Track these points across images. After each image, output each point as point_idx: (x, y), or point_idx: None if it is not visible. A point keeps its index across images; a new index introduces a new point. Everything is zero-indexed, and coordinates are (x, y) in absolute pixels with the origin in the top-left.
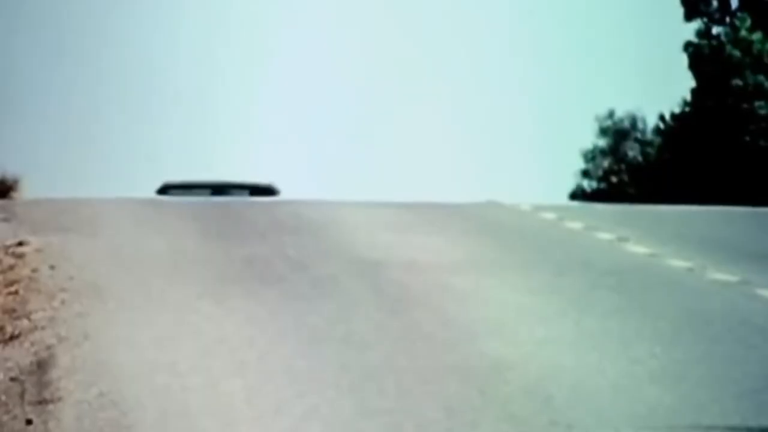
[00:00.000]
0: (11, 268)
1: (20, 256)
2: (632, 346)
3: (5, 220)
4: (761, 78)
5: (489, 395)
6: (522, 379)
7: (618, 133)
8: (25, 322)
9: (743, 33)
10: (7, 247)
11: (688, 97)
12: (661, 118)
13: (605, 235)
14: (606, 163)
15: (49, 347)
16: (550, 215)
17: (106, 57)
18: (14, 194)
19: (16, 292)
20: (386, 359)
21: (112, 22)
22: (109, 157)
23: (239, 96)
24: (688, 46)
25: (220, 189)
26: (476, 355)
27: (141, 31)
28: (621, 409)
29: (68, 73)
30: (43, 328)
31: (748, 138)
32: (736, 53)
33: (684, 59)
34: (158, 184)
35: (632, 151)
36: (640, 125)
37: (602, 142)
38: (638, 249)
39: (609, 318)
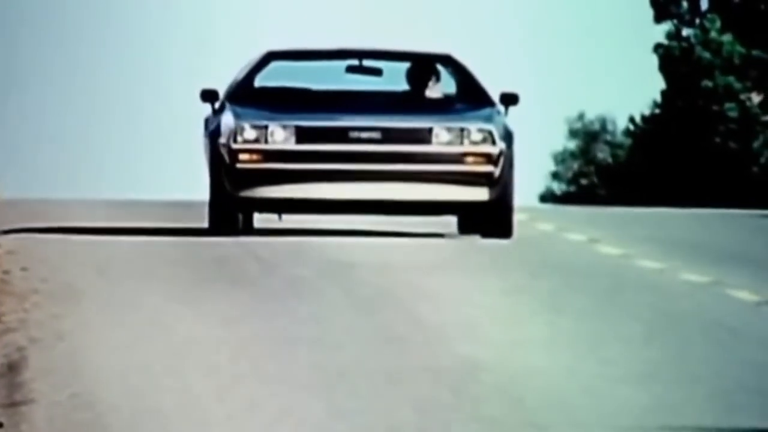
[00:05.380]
0: None
1: None
2: (605, 347)
3: None
4: (731, 80)
5: (461, 396)
6: (494, 380)
7: (588, 135)
8: None
9: (713, 35)
10: None
11: (658, 99)
12: (631, 120)
13: (577, 237)
14: (576, 166)
15: (20, 349)
16: (521, 216)
17: (88, 55)
18: None
19: None
20: (358, 360)
21: (96, 20)
22: (88, 157)
23: None
24: (658, 48)
25: (359, 61)
26: (448, 356)
27: (126, 31)
28: (593, 409)
29: (47, 71)
30: (14, 330)
31: (718, 140)
32: (706, 55)
33: (654, 61)
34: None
35: (602, 153)
36: (610, 127)
37: (572, 145)
38: (610, 250)
39: (581, 319)
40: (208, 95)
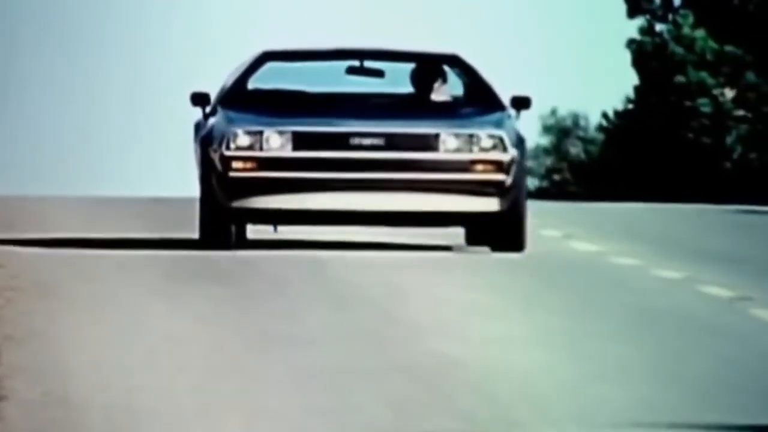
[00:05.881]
0: None
1: None
2: (579, 344)
3: None
4: (704, 75)
5: (436, 393)
6: (469, 376)
7: (560, 131)
8: None
9: (686, 30)
10: None
11: (631, 95)
12: (604, 115)
13: (551, 232)
14: (548, 161)
15: None
16: None
17: (88, 55)
18: None
19: None
20: (333, 358)
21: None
22: (88, 156)
23: None
24: (631, 43)
25: (360, 61)
26: (423, 353)
27: (114, 34)
28: (568, 406)
29: (47, 71)
30: None
31: (691, 135)
32: (679, 50)
33: (627, 56)
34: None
35: (575, 149)
36: (582, 123)
37: (545, 140)
38: (584, 246)
39: (556, 315)
40: (199, 98)
